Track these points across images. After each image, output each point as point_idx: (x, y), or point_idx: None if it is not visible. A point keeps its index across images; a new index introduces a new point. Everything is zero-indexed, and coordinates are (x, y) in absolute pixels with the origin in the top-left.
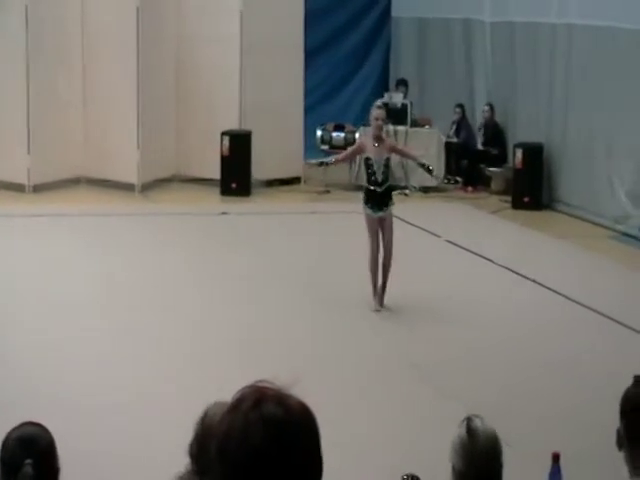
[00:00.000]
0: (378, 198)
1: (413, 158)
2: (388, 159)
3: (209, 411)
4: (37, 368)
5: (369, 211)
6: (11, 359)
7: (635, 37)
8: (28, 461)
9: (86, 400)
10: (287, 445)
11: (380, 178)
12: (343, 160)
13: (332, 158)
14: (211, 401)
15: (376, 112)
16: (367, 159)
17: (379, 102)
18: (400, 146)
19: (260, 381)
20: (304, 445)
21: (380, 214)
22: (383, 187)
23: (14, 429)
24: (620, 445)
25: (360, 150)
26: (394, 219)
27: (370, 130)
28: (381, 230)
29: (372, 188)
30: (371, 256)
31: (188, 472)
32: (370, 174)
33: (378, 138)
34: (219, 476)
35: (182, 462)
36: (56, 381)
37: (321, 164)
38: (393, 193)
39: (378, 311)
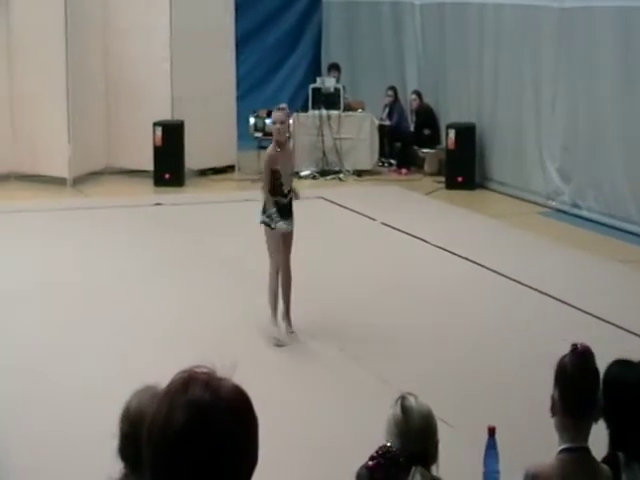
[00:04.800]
0: (284, 210)
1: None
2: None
3: (130, 404)
4: None
5: (280, 224)
6: None
7: (558, 15)
8: None
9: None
10: (211, 429)
11: (286, 189)
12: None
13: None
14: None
15: (275, 114)
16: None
17: (282, 105)
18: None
19: (196, 366)
20: (231, 429)
21: (285, 228)
22: (288, 198)
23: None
24: (553, 412)
25: (272, 163)
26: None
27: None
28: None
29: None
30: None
31: (123, 475)
32: (278, 185)
33: (280, 144)
34: (147, 461)
35: None
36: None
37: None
38: (327, 178)
39: (281, 345)
